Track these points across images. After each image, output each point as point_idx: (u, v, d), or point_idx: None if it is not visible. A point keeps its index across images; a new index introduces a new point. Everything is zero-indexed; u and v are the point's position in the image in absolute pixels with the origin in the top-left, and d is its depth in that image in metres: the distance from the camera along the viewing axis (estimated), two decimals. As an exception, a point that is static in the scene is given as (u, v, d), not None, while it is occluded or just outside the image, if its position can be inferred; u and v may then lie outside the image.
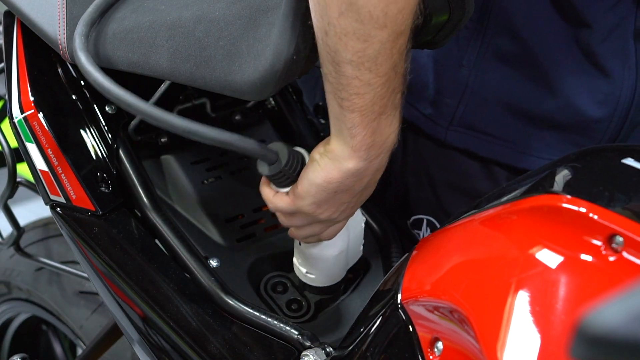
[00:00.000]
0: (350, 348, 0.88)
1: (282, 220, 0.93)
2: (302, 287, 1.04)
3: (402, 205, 1.23)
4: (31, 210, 1.59)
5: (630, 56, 1.06)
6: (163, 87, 1.05)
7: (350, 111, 0.78)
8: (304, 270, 0.98)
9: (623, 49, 1.06)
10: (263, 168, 0.86)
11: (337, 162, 0.82)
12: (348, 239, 0.95)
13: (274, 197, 0.90)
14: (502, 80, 1.10)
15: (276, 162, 0.85)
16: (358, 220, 0.96)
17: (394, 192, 1.24)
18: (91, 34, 0.95)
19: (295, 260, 0.99)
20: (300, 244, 0.96)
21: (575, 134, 1.10)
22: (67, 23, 0.97)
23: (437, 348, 0.75)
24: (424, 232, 1.19)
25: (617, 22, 1.04)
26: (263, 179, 0.91)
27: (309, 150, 1.16)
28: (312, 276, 0.99)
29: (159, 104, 1.06)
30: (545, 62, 1.07)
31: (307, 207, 0.87)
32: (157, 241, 1.04)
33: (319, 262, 0.97)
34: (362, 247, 1.01)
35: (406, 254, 0.88)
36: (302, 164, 0.87)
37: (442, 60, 1.13)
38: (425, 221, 1.18)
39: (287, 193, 0.89)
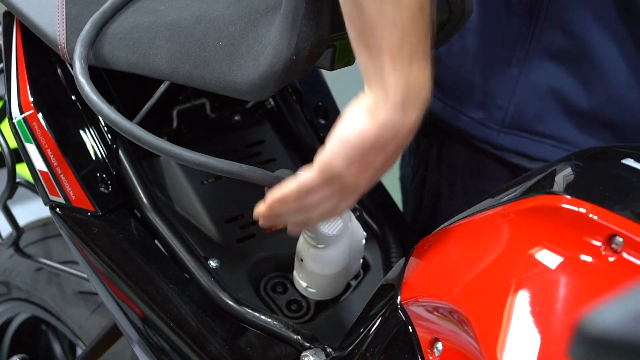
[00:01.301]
0: (350, 349, 0.88)
1: (289, 206, 0.85)
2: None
3: (430, 214, 1.22)
4: (31, 210, 1.59)
5: None
6: (163, 87, 1.04)
7: (378, 57, 0.74)
8: (304, 284, 0.99)
9: None
10: None
11: (372, 113, 0.76)
12: (349, 256, 0.95)
13: (284, 184, 0.84)
14: (553, 77, 1.07)
15: None
16: (359, 237, 0.96)
17: (424, 201, 1.24)
18: None
19: (295, 274, 1.00)
20: (301, 260, 0.96)
21: (634, 135, 1.08)
22: (66, 23, 0.97)
23: (436, 349, 0.75)
24: None
25: None
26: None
27: (310, 153, 1.16)
28: (313, 290, 0.99)
29: (159, 104, 1.06)
30: (599, 58, 1.04)
31: (337, 167, 0.80)
32: (156, 241, 1.03)
33: (319, 279, 0.97)
34: (361, 261, 1.01)
35: (406, 254, 0.88)
36: None
37: (489, 61, 1.10)
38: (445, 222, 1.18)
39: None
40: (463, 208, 1.18)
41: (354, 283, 1.05)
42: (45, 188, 1.05)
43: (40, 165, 1.04)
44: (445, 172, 1.21)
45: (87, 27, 0.92)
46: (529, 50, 1.06)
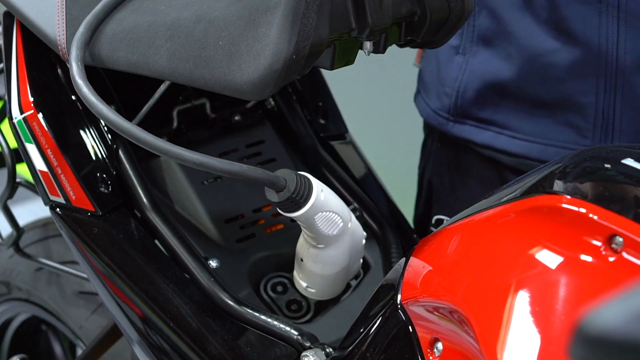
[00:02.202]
0: (350, 348, 0.88)
1: None
2: (301, 287, 1.04)
3: (427, 205, 1.25)
4: (31, 210, 1.59)
5: (602, 23, 1.04)
6: (163, 87, 1.05)
7: None
8: (304, 284, 0.99)
9: (591, 13, 1.04)
10: (271, 195, 0.86)
11: None
12: (349, 256, 0.95)
13: None
14: (487, 63, 1.12)
15: (284, 189, 0.85)
16: (359, 237, 0.96)
17: (423, 191, 1.26)
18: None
19: (295, 274, 1.00)
20: (301, 260, 0.97)
21: (565, 112, 1.09)
22: (66, 24, 0.97)
23: (437, 348, 0.75)
24: None
25: None
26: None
27: (310, 153, 1.17)
28: (313, 290, 0.99)
29: (159, 104, 1.06)
30: (516, 32, 1.07)
31: None
32: (156, 242, 1.03)
33: (319, 279, 0.97)
34: (361, 261, 1.02)
35: (406, 254, 0.88)
36: (309, 188, 0.86)
37: (444, 50, 1.15)
38: (445, 222, 1.21)
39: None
40: (450, 200, 1.21)
41: (354, 283, 1.05)
42: (46, 188, 1.05)
43: (40, 165, 1.04)
44: (436, 164, 1.24)
45: (80, 28, 0.92)
46: (470, 37, 1.09)
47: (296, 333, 0.95)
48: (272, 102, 1.19)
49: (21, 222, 1.30)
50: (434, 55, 1.20)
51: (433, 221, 1.23)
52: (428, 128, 1.28)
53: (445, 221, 1.18)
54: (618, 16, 1.04)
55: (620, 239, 0.65)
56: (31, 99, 1.04)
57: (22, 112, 1.04)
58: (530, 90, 1.10)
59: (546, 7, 1.05)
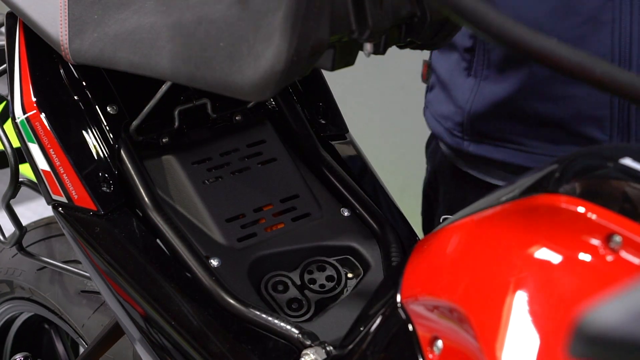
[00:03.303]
0: (351, 347, 0.89)
1: None
2: (302, 286, 1.05)
3: (425, 216, 1.27)
4: (33, 210, 1.59)
5: (615, 29, 1.06)
6: (164, 87, 1.05)
7: None
8: None
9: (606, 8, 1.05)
10: None
11: None
12: None
13: None
14: (499, 86, 1.13)
15: None
16: None
17: (423, 206, 1.29)
18: (92, 35, 0.96)
19: None
20: None
21: (582, 127, 1.10)
22: (69, 24, 0.98)
23: (436, 347, 0.75)
24: None
25: None
26: None
27: (310, 153, 1.17)
28: None
29: (160, 104, 1.07)
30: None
31: None
32: (158, 241, 1.04)
33: None
34: None
35: (406, 254, 0.88)
36: None
37: (457, 71, 1.17)
38: (445, 221, 1.24)
39: None
40: (442, 214, 1.23)
41: (354, 282, 1.06)
42: (48, 187, 1.06)
43: (43, 164, 1.05)
44: (432, 177, 1.26)
45: None
46: (483, 63, 1.11)
47: (297, 331, 0.95)
48: (273, 102, 1.19)
49: (24, 221, 1.31)
50: (446, 72, 1.21)
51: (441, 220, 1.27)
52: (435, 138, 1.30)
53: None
54: (631, 19, 1.05)
55: (619, 238, 0.66)
56: (34, 99, 1.04)
57: (24, 112, 1.05)
58: (546, 111, 1.11)
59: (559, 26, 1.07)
